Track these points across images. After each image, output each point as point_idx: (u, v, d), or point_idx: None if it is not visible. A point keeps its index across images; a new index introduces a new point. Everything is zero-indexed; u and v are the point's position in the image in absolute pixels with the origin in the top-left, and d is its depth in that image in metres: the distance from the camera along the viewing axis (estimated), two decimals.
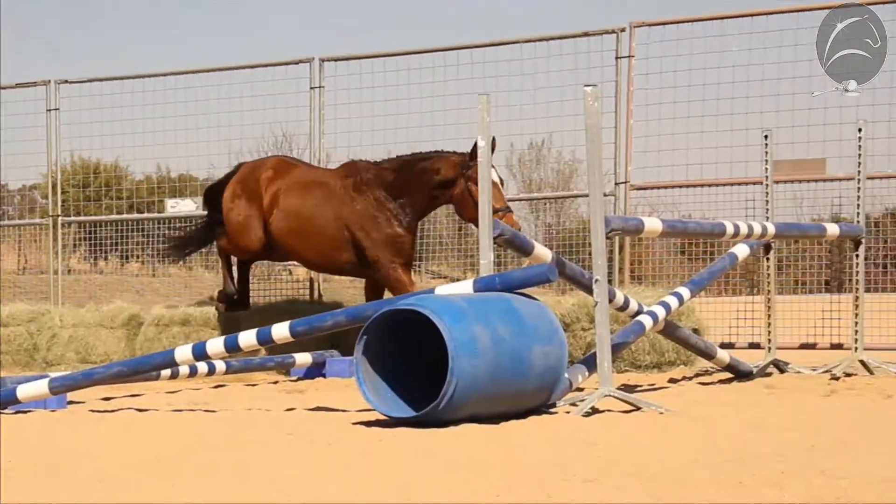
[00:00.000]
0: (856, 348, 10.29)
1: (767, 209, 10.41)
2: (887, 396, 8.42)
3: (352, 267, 11.30)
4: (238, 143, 25.29)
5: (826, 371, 9.95)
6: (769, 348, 10.35)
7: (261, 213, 11.48)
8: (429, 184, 10.77)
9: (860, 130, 10.53)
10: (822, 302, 12.34)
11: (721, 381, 9.80)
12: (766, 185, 10.49)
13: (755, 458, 5.46)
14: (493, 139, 9.04)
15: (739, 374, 9.95)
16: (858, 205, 10.51)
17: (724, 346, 10.99)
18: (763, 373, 10.02)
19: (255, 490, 4.78)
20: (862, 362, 10.11)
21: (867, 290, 10.91)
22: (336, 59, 14.15)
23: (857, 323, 10.36)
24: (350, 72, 14.19)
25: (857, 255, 10.43)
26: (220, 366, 9.74)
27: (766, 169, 10.50)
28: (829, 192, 12.60)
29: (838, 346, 11.50)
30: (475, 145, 9.38)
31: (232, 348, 8.01)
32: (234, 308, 12.11)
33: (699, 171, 12.55)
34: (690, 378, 10.10)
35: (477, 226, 9.03)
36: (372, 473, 5.18)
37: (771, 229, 9.63)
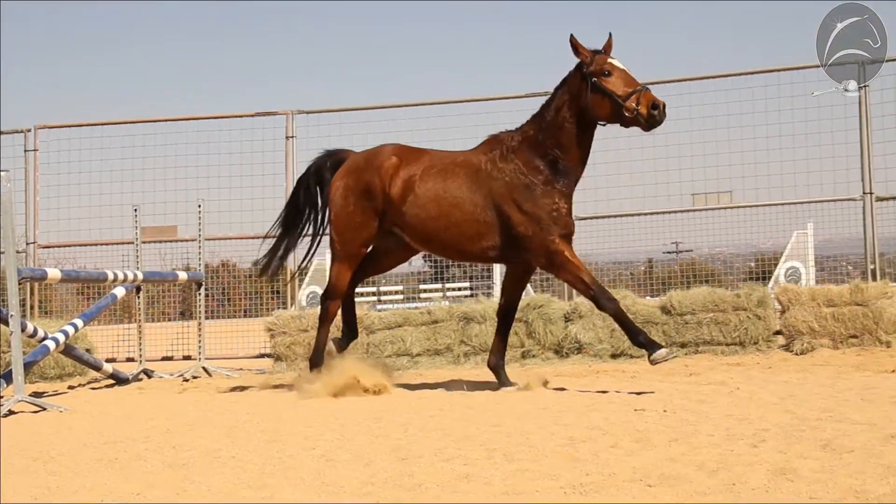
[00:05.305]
0: (200, 358, 10.51)
1: (138, 262, 10.38)
2: (219, 391, 8.58)
3: (495, 252, 7.50)
4: None
5: (180, 376, 10.02)
6: (141, 361, 10.33)
7: (378, 208, 7.70)
8: (568, 119, 7.22)
9: (200, 206, 10.78)
10: (178, 326, 12.44)
11: (107, 386, 9.59)
12: (137, 244, 10.46)
13: (130, 440, 5.52)
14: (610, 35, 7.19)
15: (120, 380, 9.82)
16: (199, 258, 10.74)
17: (109, 360, 10.81)
18: (137, 378, 9.97)
19: None
20: (204, 368, 10.33)
21: (209, 318, 11.14)
22: None
23: (200, 340, 10.57)
24: None
25: (199, 294, 10.64)
26: None
27: (137, 233, 10.47)
28: (181, 249, 12.69)
29: (189, 358, 11.53)
30: (571, 39, 7.17)
31: None
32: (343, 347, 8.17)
33: (90, 234, 12.58)
34: (84, 385, 9.82)
35: (615, 122, 7.11)
36: None
37: (140, 275, 9.73)
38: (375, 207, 7.73)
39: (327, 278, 8.22)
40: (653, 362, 6.99)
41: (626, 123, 7.03)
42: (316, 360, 8.01)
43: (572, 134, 7.23)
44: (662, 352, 6.95)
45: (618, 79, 7.01)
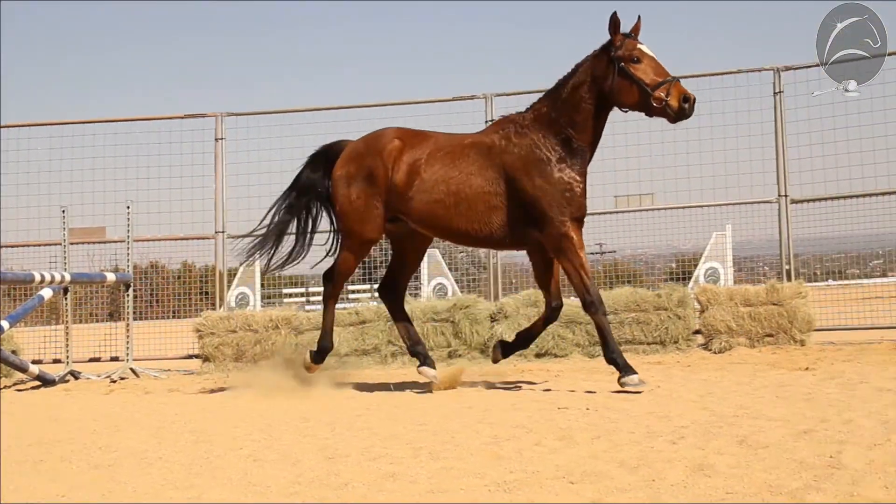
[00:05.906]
0: (128, 359, 10.37)
1: (66, 263, 10.24)
2: (146, 392, 8.49)
3: (505, 230, 7.00)
4: None
5: (107, 377, 9.92)
6: (68, 362, 10.19)
7: (381, 193, 7.30)
8: (586, 99, 6.87)
9: (129, 208, 10.61)
10: (106, 328, 12.12)
11: (33, 388, 9.42)
12: (65, 245, 10.34)
13: (56, 442, 5.47)
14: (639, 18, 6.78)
15: (46, 382, 9.63)
16: (128, 259, 10.60)
17: (35, 362, 10.63)
18: (63, 380, 9.80)
19: None
20: (132, 369, 10.20)
21: (138, 319, 10.97)
22: None
23: (128, 342, 10.42)
24: None
25: (128, 295, 10.47)
26: None
27: (64, 234, 10.35)
28: (110, 250, 12.36)
29: (116, 359, 11.30)
30: (613, 16, 6.73)
31: None
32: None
33: (17, 235, 12.30)
34: (10, 387, 9.56)
35: (640, 110, 6.76)
36: None
37: (68, 277, 9.58)
38: (378, 192, 7.34)
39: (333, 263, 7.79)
40: (622, 385, 6.74)
41: (651, 113, 6.73)
42: (324, 343, 7.77)
43: (588, 114, 6.89)
44: (634, 378, 6.70)
45: (648, 66, 6.70)
